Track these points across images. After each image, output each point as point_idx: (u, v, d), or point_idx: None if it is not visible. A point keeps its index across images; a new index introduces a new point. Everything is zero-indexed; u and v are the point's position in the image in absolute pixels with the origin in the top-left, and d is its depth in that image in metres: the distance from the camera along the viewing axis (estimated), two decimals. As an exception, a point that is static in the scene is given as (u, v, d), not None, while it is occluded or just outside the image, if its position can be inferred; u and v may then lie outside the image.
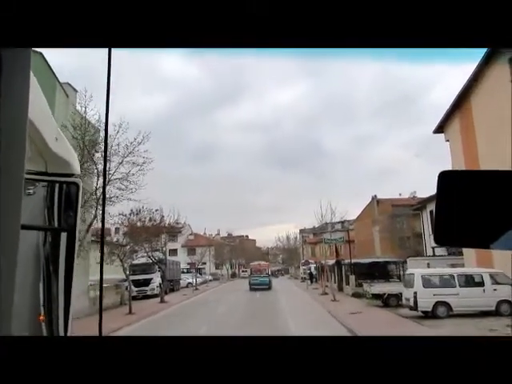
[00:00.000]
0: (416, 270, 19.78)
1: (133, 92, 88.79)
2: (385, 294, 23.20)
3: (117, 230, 28.04)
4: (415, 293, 17.86)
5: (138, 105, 56.72)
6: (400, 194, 50.71)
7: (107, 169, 16.85)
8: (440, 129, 25.17)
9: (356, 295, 28.50)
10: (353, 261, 32.72)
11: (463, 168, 22.04)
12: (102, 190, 17.33)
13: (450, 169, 1.06)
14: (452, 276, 18.09)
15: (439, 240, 1.06)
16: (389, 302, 22.71)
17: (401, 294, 21.21)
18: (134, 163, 19.35)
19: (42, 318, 2.28)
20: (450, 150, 24.49)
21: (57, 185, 2.24)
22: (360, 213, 52.49)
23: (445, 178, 1.03)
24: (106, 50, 1.26)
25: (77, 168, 2.35)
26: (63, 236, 2.25)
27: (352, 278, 31.57)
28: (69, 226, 2.27)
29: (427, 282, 18.14)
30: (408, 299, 18.67)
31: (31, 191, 2.14)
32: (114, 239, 26.53)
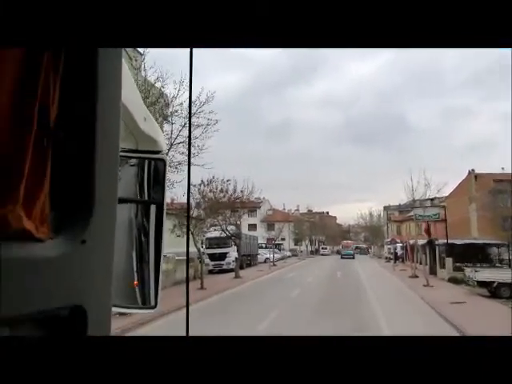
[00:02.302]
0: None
1: (209, 68, 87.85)
2: (494, 282, 19.55)
3: (198, 204, 26.76)
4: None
5: (214, 81, 55.38)
6: (503, 169, 44.52)
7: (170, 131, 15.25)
8: None
9: (453, 280, 25.47)
10: (449, 241, 28.97)
11: None
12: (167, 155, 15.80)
13: None
14: None
15: None
16: (499, 292, 19.11)
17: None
18: (197, 125, 17.62)
19: (135, 283, 2.39)
20: None
21: (146, 161, 2.38)
22: (453, 189, 47.29)
23: None
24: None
25: (163, 145, 2.45)
26: (153, 208, 2.42)
27: (449, 260, 28.09)
28: (157, 199, 2.42)
29: None
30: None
31: (125, 167, 2.29)
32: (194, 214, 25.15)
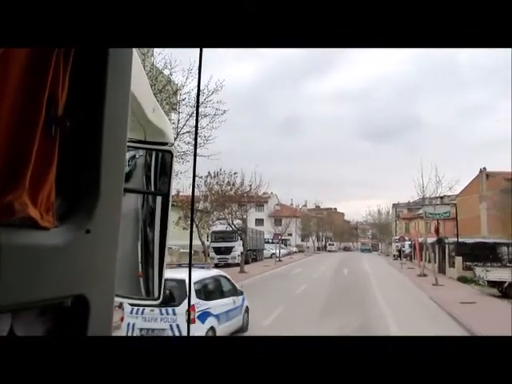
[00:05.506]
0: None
1: (218, 56, 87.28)
2: (505, 282, 19.05)
3: (206, 197, 26.48)
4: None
5: (224, 71, 54.87)
6: (515, 167, 43.63)
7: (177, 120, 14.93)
8: None
9: (462, 279, 25.04)
10: (459, 240, 28.44)
11: None
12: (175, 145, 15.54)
13: None
14: None
15: None
16: (510, 291, 18.60)
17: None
18: (204, 115, 17.27)
19: (140, 273, 2.40)
20: None
21: (153, 152, 2.39)
22: (464, 187, 46.56)
23: None
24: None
25: (171, 137, 2.45)
26: (158, 200, 2.41)
27: (458, 259, 27.62)
28: (163, 191, 2.41)
29: None
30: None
31: (132, 158, 2.32)
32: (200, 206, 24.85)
